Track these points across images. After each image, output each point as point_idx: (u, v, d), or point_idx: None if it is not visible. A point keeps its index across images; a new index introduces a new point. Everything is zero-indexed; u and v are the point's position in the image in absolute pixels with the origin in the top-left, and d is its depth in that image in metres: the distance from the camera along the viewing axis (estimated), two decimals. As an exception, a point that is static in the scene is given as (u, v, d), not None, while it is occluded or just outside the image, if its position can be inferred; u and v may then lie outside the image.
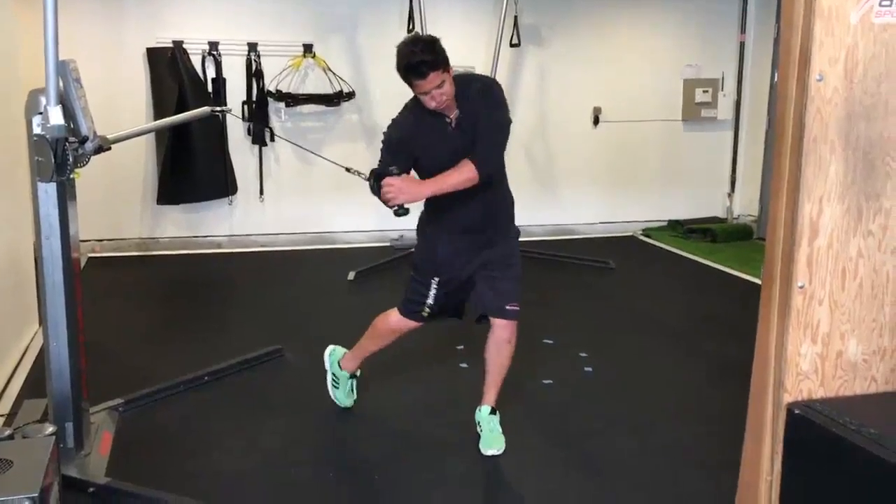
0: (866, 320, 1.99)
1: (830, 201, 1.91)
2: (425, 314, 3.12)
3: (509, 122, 2.96)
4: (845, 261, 1.95)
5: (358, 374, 3.44)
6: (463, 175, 2.80)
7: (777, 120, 1.97)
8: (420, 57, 2.70)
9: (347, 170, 3.15)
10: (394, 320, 3.20)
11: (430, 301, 3.08)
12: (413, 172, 2.94)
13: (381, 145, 2.96)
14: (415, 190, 2.83)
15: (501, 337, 3.08)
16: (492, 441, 3.08)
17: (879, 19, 1.86)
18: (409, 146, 2.91)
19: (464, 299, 3.17)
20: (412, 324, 3.18)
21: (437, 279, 3.06)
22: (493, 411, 3.16)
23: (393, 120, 2.98)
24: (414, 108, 2.91)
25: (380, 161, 2.91)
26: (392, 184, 2.77)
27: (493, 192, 3.00)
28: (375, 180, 2.83)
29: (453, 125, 2.89)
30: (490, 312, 3.08)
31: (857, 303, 1.97)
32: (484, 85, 2.96)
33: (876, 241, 1.96)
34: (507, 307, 3.04)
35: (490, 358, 3.14)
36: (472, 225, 3.01)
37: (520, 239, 3.17)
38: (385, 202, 2.81)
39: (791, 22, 1.88)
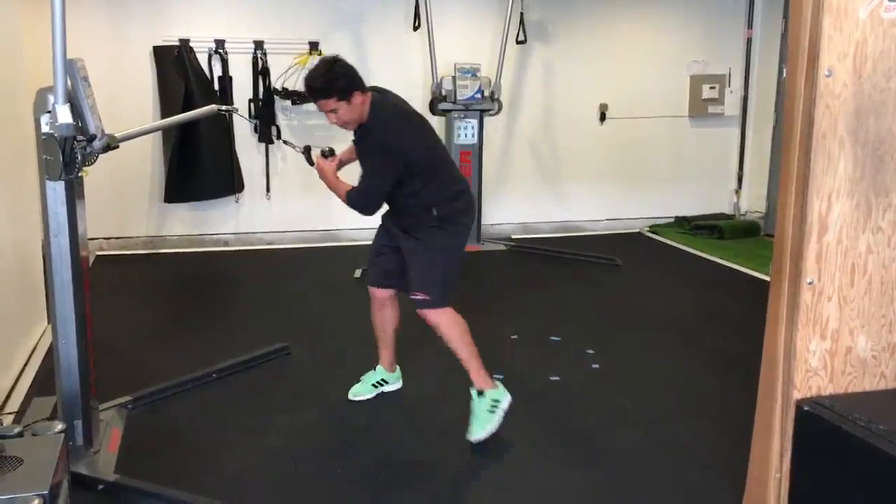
0: (875, 316, 1.98)
1: (839, 197, 1.90)
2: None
3: (371, 186, 3.14)
4: (854, 257, 1.94)
5: (383, 379, 3.58)
6: (341, 196, 3.19)
7: (785, 116, 1.97)
8: (313, 83, 3.01)
9: (284, 142, 3.79)
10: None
11: None
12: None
13: None
14: (323, 176, 3.26)
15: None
16: (473, 427, 3.11)
17: (888, 14, 1.85)
18: None
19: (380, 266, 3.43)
20: (377, 291, 3.43)
21: None
22: (480, 393, 3.17)
23: None
24: None
25: None
26: (319, 164, 3.26)
27: (402, 203, 3.23)
28: (307, 152, 3.43)
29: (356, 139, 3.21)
30: None
31: (866, 299, 1.97)
32: (376, 135, 3.10)
33: (885, 237, 1.95)
34: (411, 296, 3.19)
35: None
36: (388, 213, 3.35)
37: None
38: None
39: (800, 17, 1.87)
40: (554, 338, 4.33)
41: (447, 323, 3.17)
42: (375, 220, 3.43)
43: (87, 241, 2.89)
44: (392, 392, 3.57)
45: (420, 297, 3.15)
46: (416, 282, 3.17)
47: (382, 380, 3.55)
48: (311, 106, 6.47)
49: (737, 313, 4.85)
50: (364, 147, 3.14)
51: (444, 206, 3.20)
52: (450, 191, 3.25)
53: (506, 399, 3.16)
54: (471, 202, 3.32)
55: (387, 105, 3.18)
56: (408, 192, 3.15)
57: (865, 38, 1.85)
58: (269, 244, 6.65)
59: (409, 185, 3.13)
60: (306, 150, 3.43)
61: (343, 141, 3.35)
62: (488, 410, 3.12)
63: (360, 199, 3.15)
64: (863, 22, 1.84)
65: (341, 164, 3.33)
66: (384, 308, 3.46)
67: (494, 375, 3.23)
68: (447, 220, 3.21)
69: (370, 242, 3.48)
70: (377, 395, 3.53)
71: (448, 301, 3.19)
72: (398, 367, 3.59)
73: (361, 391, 3.51)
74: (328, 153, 3.27)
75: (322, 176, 3.26)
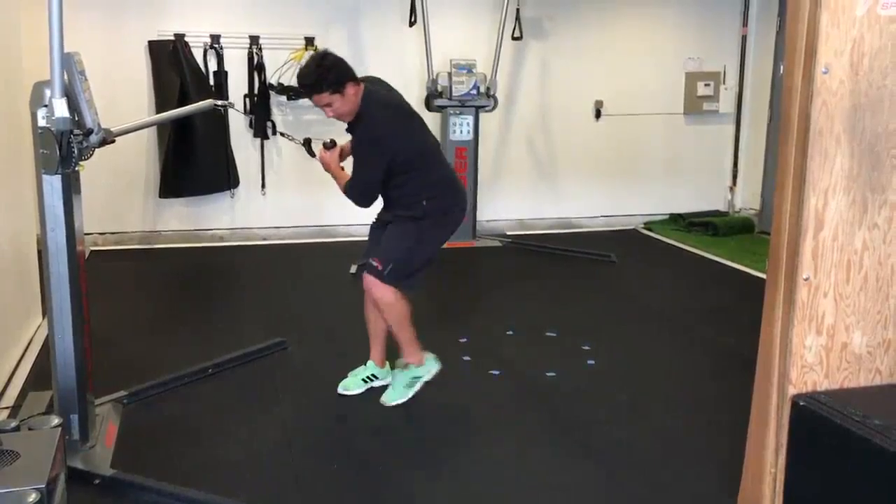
0: (871, 312, 2.00)
1: (836, 194, 1.91)
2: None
3: (360, 179, 3.22)
4: (850, 253, 1.95)
5: (373, 374, 3.57)
6: (342, 188, 3.29)
7: (782, 112, 1.98)
8: (304, 79, 3.09)
9: (282, 134, 3.95)
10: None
11: None
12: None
13: None
14: (325, 167, 3.34)
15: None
16: (389, 393, 3.37)
17: (885, 11, 1.86)
18: None
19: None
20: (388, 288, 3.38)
21: None
22: (406, 366, 3.37)
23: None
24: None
25: None
26: (321, 155, 3.34)
27: (392, 195, 3.32)
28: (307, 144, 3.61)
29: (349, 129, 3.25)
30: None
31: (861, 295, 1.98)
32: (364, 127, 3.16)
33: (881, 233, 1.96)
34: (367, 261, 3.24)
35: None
36: (382, 207, 3.43)
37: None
38: None
39: (797, 14, 1.88)
40: (550, 333, 4.34)
41: (390, 300, 3.23)
42: (370, 216, 3.44)
43: (84, 235, 2.88)
44: (381, 386, 3.56)
45: (374, 262, 3.20)
46: (380, 251, 3.24)
47: (373, 375, 3.53)
48: (307, 101, 6.45)
49: (731, 309, 4.87)
50: (354, 138, 3.21)
51: (432, 198, 3.25)
52: (439, 184, 3.29)
53: (429, 373, 3.38)
54: (459, 195, 3.36)
55: (376, 96, 3.21)
56: (396, 183, 3.21)
57: (862, 35, 1.86)
58: (264, 239, 6.64)
59: (398, 177, 3.19)
60: (306, 143, 3.56)
61: (344, 136, 3.34)
62: (407, 385, 3.35)
63: (353, 192, 3.24)
64: (860, 19, 1.85)
65: (344, 155, 3.36)
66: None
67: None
68: (435, 211, 3.26)
69: (364, 238, 3.48)
70: (367, 389, 3.52)
71: (398, 287, 3.23)
72: (388, 364, 3.58)
73: (351, 385, 3.50)
74: (329, 145, 3.32)
75: (325, 167, 3.32)
